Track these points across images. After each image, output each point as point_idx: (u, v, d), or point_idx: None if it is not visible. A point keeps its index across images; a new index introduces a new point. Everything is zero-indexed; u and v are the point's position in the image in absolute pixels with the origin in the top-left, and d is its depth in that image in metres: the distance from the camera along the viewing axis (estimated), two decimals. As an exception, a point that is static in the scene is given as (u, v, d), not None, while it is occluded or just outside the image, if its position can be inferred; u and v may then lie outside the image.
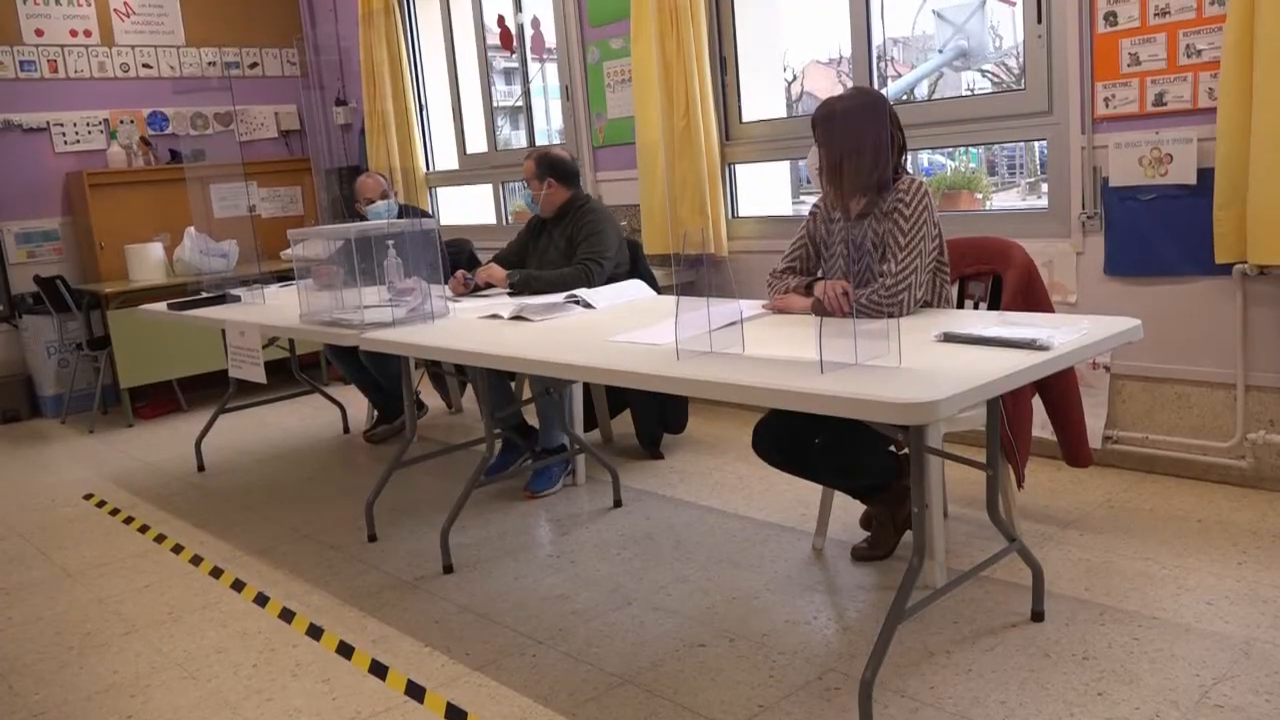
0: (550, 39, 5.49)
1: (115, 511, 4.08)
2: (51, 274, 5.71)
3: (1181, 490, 3.30)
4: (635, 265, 3.91)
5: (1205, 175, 3.13)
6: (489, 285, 3.74)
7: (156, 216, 6.19)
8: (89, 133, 6.20)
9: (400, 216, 4.48)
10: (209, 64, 6.63)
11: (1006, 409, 2.67)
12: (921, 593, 2.38)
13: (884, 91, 4.22)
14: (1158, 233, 3.30)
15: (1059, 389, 2.86)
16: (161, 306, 4.37)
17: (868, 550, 2.96)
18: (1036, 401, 2.92)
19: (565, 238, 3.76)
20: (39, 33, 6.02)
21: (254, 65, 6.83)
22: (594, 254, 3.64)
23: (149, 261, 5.94)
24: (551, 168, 3.76)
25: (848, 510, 3.15)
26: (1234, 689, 2.15)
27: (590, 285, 3.54)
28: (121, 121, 6.30)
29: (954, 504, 3.27)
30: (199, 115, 6.61)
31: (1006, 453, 2.75)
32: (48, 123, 6.06)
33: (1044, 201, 3.66)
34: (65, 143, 6.13)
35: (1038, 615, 2.52)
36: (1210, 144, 3.09)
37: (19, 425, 5.87)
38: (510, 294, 3.61)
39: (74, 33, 6.14)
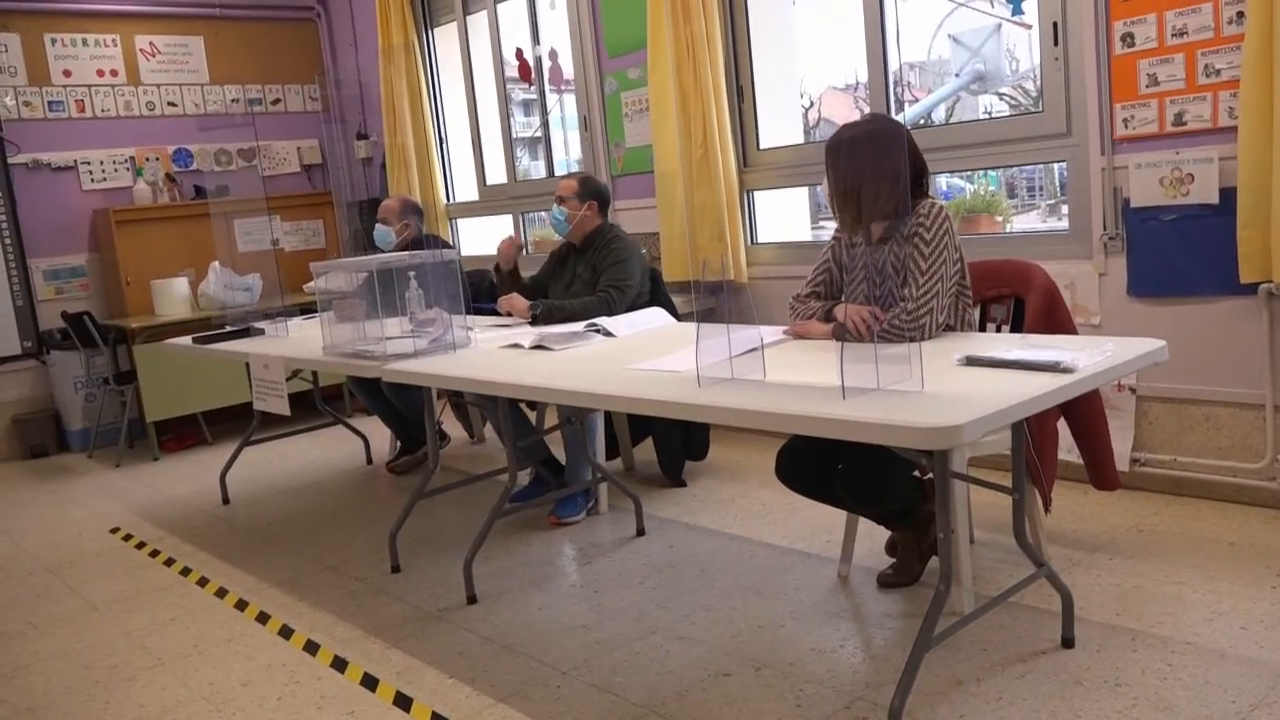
0: (568, 70, 5.54)
1: (141, 545, 4.11)
2: (79, 310, 5.79)
3: (1212, 513, 3.25)
4: (654, 293, 3.92)
5: (1228, 194, 3.11)
6: (515, 255, 3.90)
7: (181, 252, 6.27)
8: (115, 170, 6.30)
9: (420, 247, 4.51)
10: (232, 101, 6.73)
11: (1031, 432, 2.65)
12: (949, 619, 2.35)
13: (901, 116, 4.24)
14: (1181, 253, 3.28)
15: (1084, 411, 2.83)
16: (186, 340, 4.41)
17: (894, 577, 2.93)
18: (1062, 425, 2.89)
19: (590, 266, 3.79)
20: (67, 73, 6.14)
21: (276, 101, 6.93)
22: (616, 282, 3.67)
23: (174, 296, 6.00)
24: (595, 193, 3.84)
25: (873, 537, 3.13)
26: (1271, 716, 2.11)
27: (611, 313, 3.55)
28: (147, 159, 6.40)
29: (980, 529, 3.23)
30: (223, 151, 6.70)
31: (1032, 477, 2.72)
32: (75, 161, 6.16)
33: (1065, 223, 3.64)
34: (92, 180, 6.22)
35: (1068, 641, 2.48)
36: (1232, 163, 3.07)
37: (47, 460, 5.93)
38: (532, 324, 3.62)
39: (101, 73, 6.25)
